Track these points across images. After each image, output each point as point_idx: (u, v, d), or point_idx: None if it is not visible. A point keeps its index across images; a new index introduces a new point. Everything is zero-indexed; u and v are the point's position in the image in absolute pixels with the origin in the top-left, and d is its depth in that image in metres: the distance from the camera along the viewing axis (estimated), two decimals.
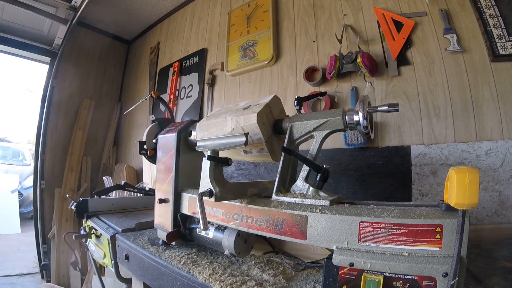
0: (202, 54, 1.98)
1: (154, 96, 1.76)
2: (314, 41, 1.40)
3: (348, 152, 1.19)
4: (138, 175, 2.34)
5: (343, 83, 1.26)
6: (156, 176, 0.91)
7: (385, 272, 0.42)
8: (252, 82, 1.64)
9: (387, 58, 1.16)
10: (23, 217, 4.42)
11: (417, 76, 1.10)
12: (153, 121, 1.06)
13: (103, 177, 1.83)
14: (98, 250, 1.14)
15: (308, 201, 0.53)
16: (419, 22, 1.12)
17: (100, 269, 1.46)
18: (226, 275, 0.62)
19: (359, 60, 1.11)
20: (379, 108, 0.57)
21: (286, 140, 0.65)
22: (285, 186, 0.61)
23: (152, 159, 0.96)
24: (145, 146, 0.98)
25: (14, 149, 5.78)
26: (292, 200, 0.55)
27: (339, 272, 0.46)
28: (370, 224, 0.45)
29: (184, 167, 0.83)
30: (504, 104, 0.94)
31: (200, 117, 1.88)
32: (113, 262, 0.99)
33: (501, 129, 0.94)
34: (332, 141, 1.22)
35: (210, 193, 0.56)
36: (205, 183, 0.58)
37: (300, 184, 0.60)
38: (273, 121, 0.69)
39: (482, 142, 0.94)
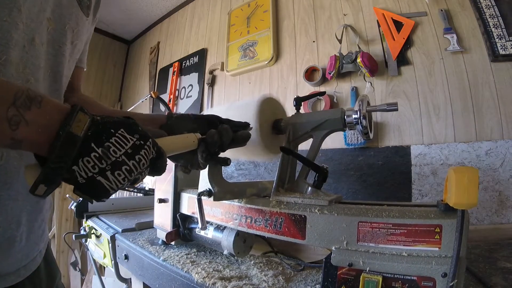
0: (202, 54, 1.98)
1: (154, 96, 1.78)
2: (314, 41, 1.40)
3: (348, 152, 1.19)
4: None
5: (343, 83, 1.26)
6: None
7: (384, 273, 0.42)
8: (252, 82, 1.64)
9: (387, 58, 1.16)
10: None
11: (417, 76, 1.10)
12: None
13: None
14: (98, 250, 1.14)
15: (307, 201, 0.52)
16: (419, 22, 1.12)
17: (100, 269, 1.46)
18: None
19: (359, 60, 1.11)
20: (378, 108, 0.57)
21: (285, 139, 0.65)
22: (284, 186, 0.61)
23: None
24: None
25: None
26: (291, 200, 0.55)
27: (338, 273, 0.46)
28: (369, 224, 0.45)
29: None
30: (504, 104, 0.94)
31: None
32: (113, 262, 0.99)
33: (501, 129, 0.93)
34: (332, 141, 1.22)
35: (208, 193, 0.56)
36: (204, 183, 0.58)
37: (299, 184, 0.60)
38: (272, 121, 0.69)
39: (482, 142, 0.94)
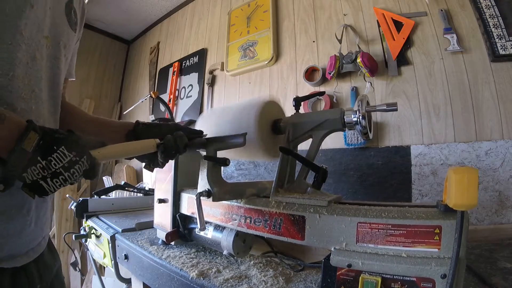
0: (202, 54, 1.98)
1: (153, 96, 1.77)
2: (314, 41, 1.40)
3: (348, 152, 1.19)
4: (138, 175, 2.34)
5: (343, 83, 1.26)
6: (156, 176, 0.91)
7: (383, 273, 0.42)
8: (252, 82, 1.63)
9: (387, 58, 1.16)
10: None
11: (417, 76, 1.10)
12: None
13: (103, 177, 1.84)
14: (98, 250, 1.14)
15: (306, 201, 0.52)
16: (419, 22, 1.12)
17: (100, 269, 1.46)
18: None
19: (359, 60, 1.11)
20: (377, 108, 0.57)
21: (284, 140, 0.65)
22: (284, 186, 0.61)
23: None
24: None
25: None
26: (290, 200, 0.54)
27: (337, 273, 0.46)
28: (368, 225, 0.44)
29: (184, 167, 0.83)
30: (504, 104, 0.94)
31: None
32: (113, 262, 0.99)
33: (501, 129, 0.93)
34: (332, 141, 1.22)
35: (208, 193, 0.56)
36: (203, 183, 0.58)
37: (298, 184, 0.60)
38: (271, 121, 0.69)
39: (482, 142, 0.94)
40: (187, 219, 0.80)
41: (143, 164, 0.59)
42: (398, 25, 1.14)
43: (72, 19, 0.55)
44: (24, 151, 0.35)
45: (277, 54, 1.53)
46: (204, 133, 0.67)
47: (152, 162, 0.58)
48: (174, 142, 0.56)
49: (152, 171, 0.60)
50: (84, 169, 0.39)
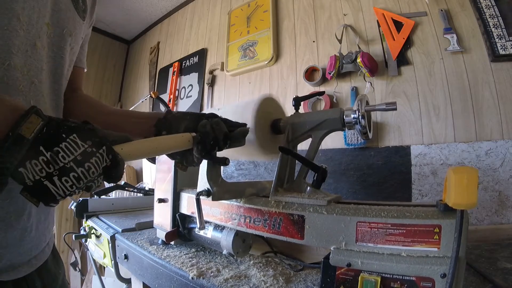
0: (202, 54, 1.98)
1: (153, 96, 1.78)
2: (314, 41, 1.40)
3: (348, 152, 1.19)
4: (138, 175, 2.34)
5: (343, 83, 1.26)
6: (156, 175, 0.91)
7: (383, 273, 0.42)
8: (252, 82, 1.63)
9: (387, 58, 1.16)
10: None
11: (417, 76, 1.10)
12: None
13: None
14: (98, 250, 1.14)
15: (305, 201, 0.52)
16: (419, 22, 1.12)
17: (100, 269, 1.46)
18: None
19: (359, 60, 1.11)
20: (377, 107, 0.57)
21: (284, 139, 0.65)
22: (283, 186, 0.61)
23: (152, 159, 0.96)
24: None
25: None
26: (290, 199, 0.54)
27: (337, 273, 0.45)
28: (368, 224, 0.44)
29: None
30: (504, 104, 0.94)
31: None
32: (113, 262, 0.99)
33: (501, 129, 0.93)
34: (332, 141, 1.22)
35: (207, 193, 0.56)
36: (203, 183, 0.58)
37: (298, 183, 0.60)
38: (271, 121, 0.69)
39: (482, 142, 0.94)
40: (187, 219, 0.80)
41: (174, 162, 0.50)
42: (398, 25, 1.14)
43: (80, 5, 0.50)
44: (21, 138, 0.27)
45: (277, 54, 1.53)
46: (247, 125, 0.57)
47: (186, 160, 0.49)
48: (211, 128, 0.47)
49: (185, 170, 0.51)
50: (104, 165, 0.31)
